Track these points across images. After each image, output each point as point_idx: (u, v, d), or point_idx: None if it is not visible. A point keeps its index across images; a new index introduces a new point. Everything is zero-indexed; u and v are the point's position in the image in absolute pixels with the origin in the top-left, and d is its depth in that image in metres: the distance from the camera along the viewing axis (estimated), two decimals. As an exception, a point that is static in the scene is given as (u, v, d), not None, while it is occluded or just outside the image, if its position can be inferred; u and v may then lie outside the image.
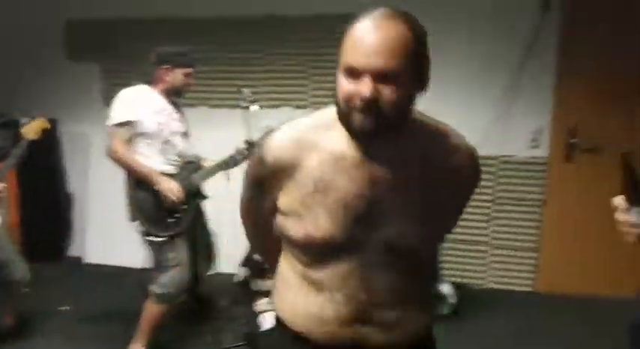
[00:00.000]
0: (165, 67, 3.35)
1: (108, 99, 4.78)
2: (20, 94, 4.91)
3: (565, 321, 3.89)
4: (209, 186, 3.58)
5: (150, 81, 3.40)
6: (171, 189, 3.25)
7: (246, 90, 3.31)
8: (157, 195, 3.25)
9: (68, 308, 4.03)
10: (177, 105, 3.48)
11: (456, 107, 4.06)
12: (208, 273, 3.75)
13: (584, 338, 3.63)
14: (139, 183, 3.25)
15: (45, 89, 4.96)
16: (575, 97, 4.20)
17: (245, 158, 3.37)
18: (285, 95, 4.65)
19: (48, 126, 3.46)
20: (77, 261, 5.07)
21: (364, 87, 1.21)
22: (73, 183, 5.17)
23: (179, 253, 3.31)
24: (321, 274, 1.41)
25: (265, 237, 1.60)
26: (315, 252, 1.40)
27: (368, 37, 1.21)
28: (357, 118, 1.25)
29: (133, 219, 3.30)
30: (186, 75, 3.38)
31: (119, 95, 3.31)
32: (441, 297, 3.90)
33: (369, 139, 1.29)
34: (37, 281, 3.56)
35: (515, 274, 4.46)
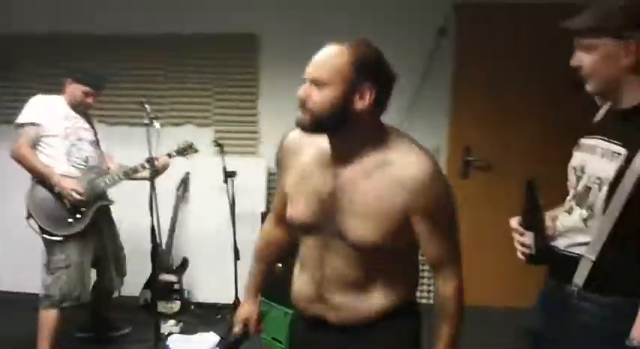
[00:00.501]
0: (68, 79, 3.46)
1: (5, 116, 4.59)
2: None
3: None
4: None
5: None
6: (70, 189, 3.26)
7: (148, 107, 3.32)
8: (58, 194, 3.27)
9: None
10: (87, 117, 3.56)
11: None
12: (115, 293, 3.72)
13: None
14: (41, 181, 3.28)
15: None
16: (470, 118, 4.42)
17: (150, 171, 3.39)
18: (188, 113, 4.61)
19: None
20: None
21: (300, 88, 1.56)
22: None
23: (70, 255, 3.30)
24: (302, 251, 1.76)
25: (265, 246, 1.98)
26: (298, 232, 1.75)
27: (316, 55, 1.57)
28: (297, 113, 1.58)
29: (30, 216, 3.28)
30: (85, 93, 3.45)
31: (30, 100, 3.41)
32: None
33: (305, 131, 1.60)
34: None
35: (422, 288, 4.56)
